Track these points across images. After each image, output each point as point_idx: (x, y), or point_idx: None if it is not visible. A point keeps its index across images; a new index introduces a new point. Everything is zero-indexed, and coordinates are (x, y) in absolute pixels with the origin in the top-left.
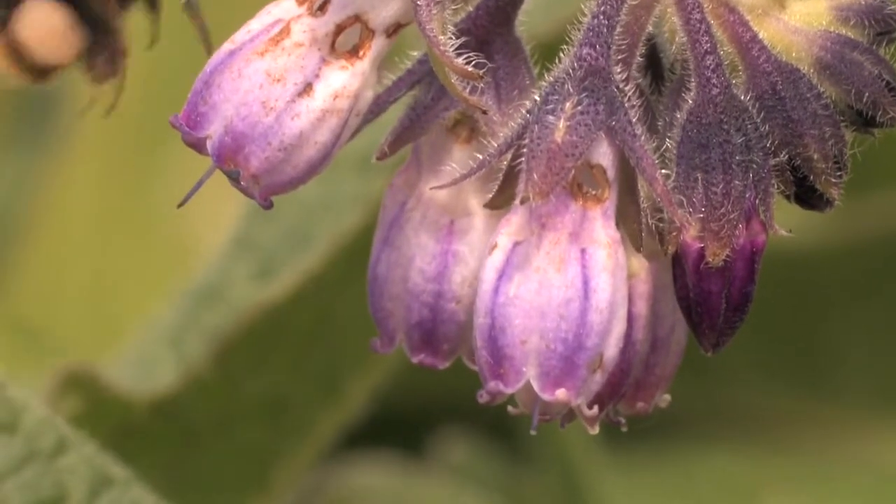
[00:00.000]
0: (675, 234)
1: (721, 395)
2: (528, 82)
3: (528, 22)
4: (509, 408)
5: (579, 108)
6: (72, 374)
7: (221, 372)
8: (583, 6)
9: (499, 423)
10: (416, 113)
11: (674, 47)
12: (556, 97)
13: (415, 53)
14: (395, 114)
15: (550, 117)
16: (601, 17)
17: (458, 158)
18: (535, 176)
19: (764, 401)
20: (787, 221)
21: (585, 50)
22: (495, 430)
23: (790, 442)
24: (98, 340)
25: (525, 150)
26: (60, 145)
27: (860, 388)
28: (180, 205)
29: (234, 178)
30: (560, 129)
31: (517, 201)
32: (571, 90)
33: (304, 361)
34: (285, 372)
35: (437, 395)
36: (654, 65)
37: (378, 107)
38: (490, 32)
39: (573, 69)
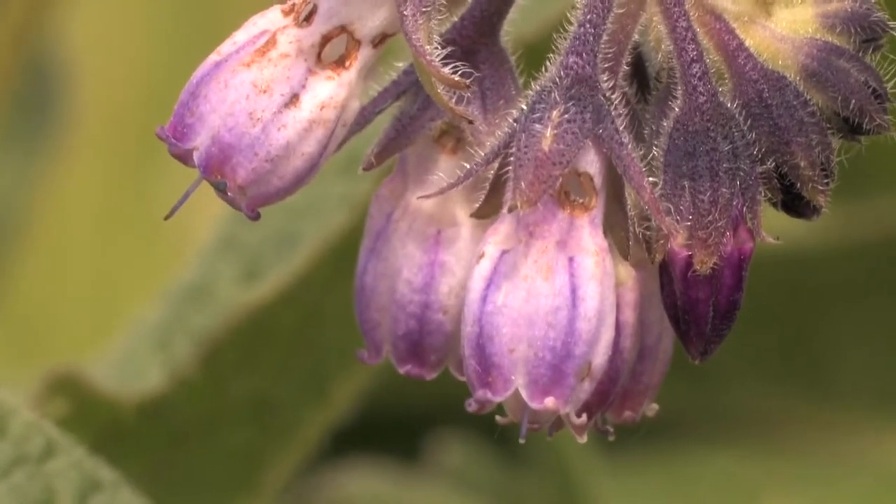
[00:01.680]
0: (662, 242)
1: (720, 398)
2: (513, 92)
3: (514, 26)
4: (497, 417)
5: (566, 116)
6: (59, 377)
7: (208, 373)
8: (568, 14)
9: (495, 426)
10: (401, 123)
11: (660, 55)
12: (543, 105)
13: (400, 64)
14: (382, 121)
15: (537, 125)
16: (587, 25)
17: (445, 169)
18: (523, 184)
19: (763, 403)
20: (784, 224)
21: (572, 58)
22: (491, 433)
23: (790, 444)
24: (98, 341)
25: (512, 158)
26: (61, 145)
27: (860, 389)
28: (167, 217)
29: (221, 190)
30: (547, 137)
31: (504, 210)
32: (558, 98)
33: (291, 362)
34: (272, 373)
35: (433, 397)
36: (639, 73)
37: (364, 118)
38: (475, 43)
39: (560, 77)
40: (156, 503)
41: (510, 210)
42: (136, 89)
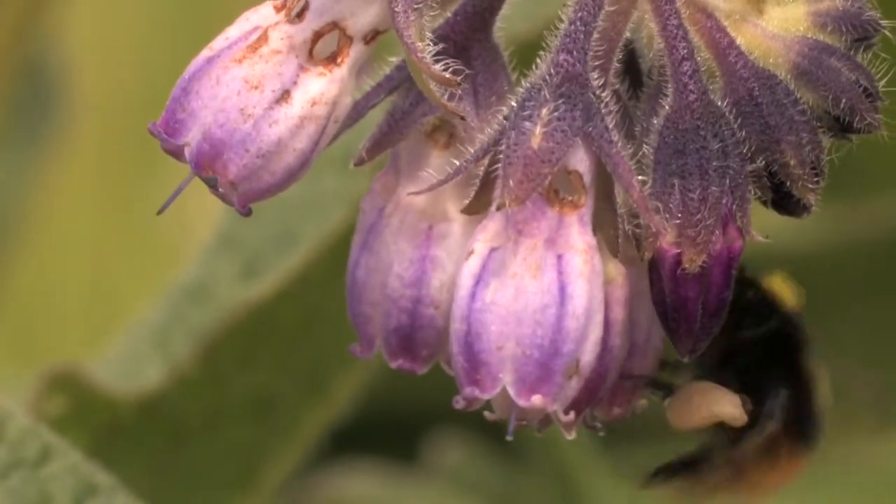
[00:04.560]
0: (651, 239)
1: None
2: (506, 88)
3: (508, 23)
4: (486, 413)
5: (556, 114)
6: (58, 375)
7: (208, 370)
8: (560, 13)
9: (493, 425)
10: (394, 119)
11: (652, 53)
12: (533, 103)
13: (393, 59)
14: (376, 115)
15: (527, 123)
16: (578, 23)
17: (437, 164)
18: (512, 182)
19: None
20: (782, 223)
21: (562, 56)
22: (489, 432)
23: None
24: (96, 340)
25: (501, 156)
26: (58, 145)
27: (857, 389)
28: (160, 212)
29: (213, 186)
30: (536, 135)
31: (493, 208)
32: (548, 96)
33: (290, 359)
34: (272, 370)
35: (430, 396)
36: (632, 70)
37: (357, 112)
38: (468, 38)
39: (550, 75)
40: (154, 501)
41: (499, 208)
42: (133, 88)
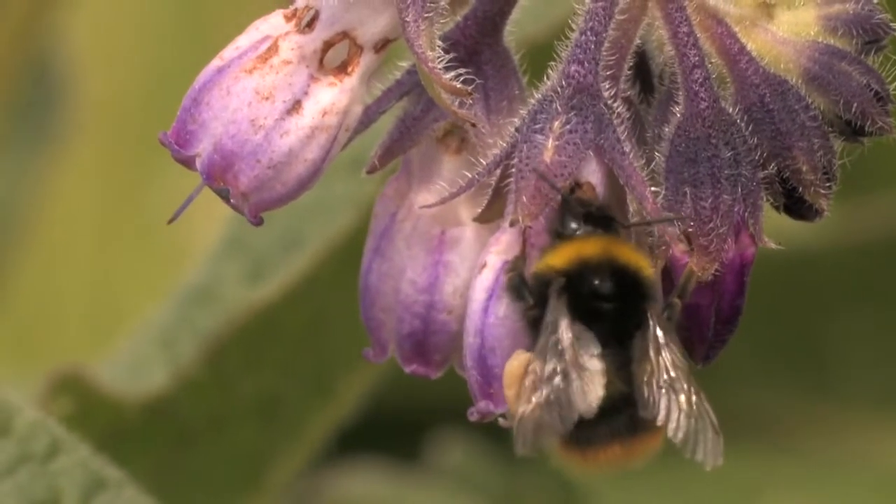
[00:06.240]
0: (664, 248)
1: (721, 396)
2: (517, 92)
3: (518, 26)
4: (499, 420)
5: (567, 126)
6: (64, 376)
7: (214, 372)
8: (570, 21)
9: (496, 426)
10: (405, 125)
11: (662, 56)
12: (545, 116)
13: (403, 64)
14: (387, 121)
15: (539, 136)
16: (588, 33)
17: (449, 168)
18: (525, 198)
19: (766, 400)
20: (787, 223)
21: (573, 67)
22: (492, 432)
23: (792, 441)
24: (98, 341)
25: (514, 169)
26: (61, 146)
27: (861, 388)
28: (170, 221)
29: (224, 196)
30: (549, 148)
31: (506, 224)
32: (559, 108)
33: (296, 361)
34: (278, 372)
35: (434, 396)
36: (643, 73)
37: (368, 118)
38: (478, 43)
39: (561, 87)
40: (161, 502)
41: (512, 224)
42: (136, 89)
